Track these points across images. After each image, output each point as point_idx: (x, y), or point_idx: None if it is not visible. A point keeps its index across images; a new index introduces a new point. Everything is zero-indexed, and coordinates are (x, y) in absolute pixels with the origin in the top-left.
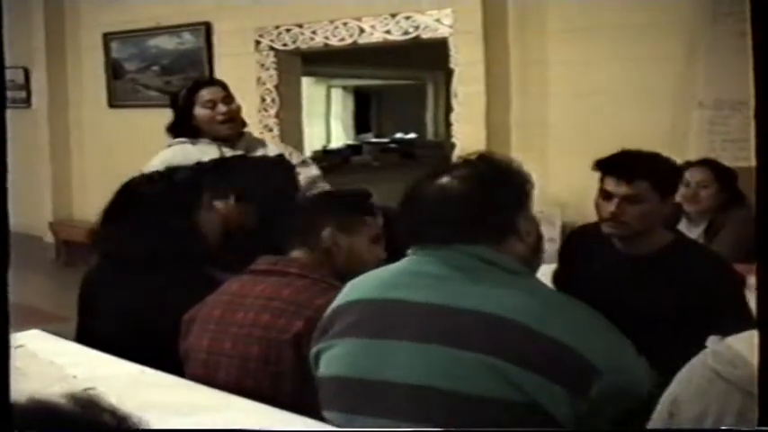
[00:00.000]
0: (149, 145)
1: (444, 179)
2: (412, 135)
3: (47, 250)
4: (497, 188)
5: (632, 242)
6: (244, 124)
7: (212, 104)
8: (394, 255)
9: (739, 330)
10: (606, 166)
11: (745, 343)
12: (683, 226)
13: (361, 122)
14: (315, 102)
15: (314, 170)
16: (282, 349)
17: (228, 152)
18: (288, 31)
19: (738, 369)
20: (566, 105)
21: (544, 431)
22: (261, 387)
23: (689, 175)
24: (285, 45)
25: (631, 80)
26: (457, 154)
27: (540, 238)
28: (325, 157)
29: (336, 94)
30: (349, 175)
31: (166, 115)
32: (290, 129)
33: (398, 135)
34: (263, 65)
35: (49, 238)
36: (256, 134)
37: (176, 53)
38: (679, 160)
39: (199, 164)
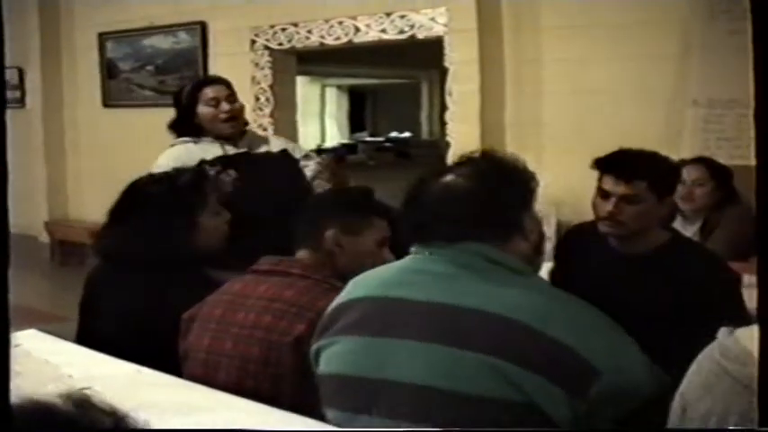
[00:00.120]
0: (144, 144)
1: (449, 177)
2: (407, 134)
3: (42, 250)
4: (502, 186)
5: (628, 241)
6: (246, 123)
7: (216, 103)
8: (399, 257)
9: (736, 326)
10: (605, 164)
11: (751, 336)
12: (677, 224)
13: (356, 121)
14: (310, 101)
15: (318, 164)
16: (283, 352)
17: (231, 150)
18: (283, 30)
19: (746, 366)
20: (560, 104)
21: (544, 431)
22: (261, 388)
23: (684, 174)
24: (280, 44)
25: (626, 79)
26: (452, 153)
27: (542, 236)
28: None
29: (331, 93)
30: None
31: (161, 115)
32: (285, 128)
33: (393, 134)
34: (257, 64)
35: (44, 237)
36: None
37: (171, 53)
38: (674, 158)
39: (202, 163)
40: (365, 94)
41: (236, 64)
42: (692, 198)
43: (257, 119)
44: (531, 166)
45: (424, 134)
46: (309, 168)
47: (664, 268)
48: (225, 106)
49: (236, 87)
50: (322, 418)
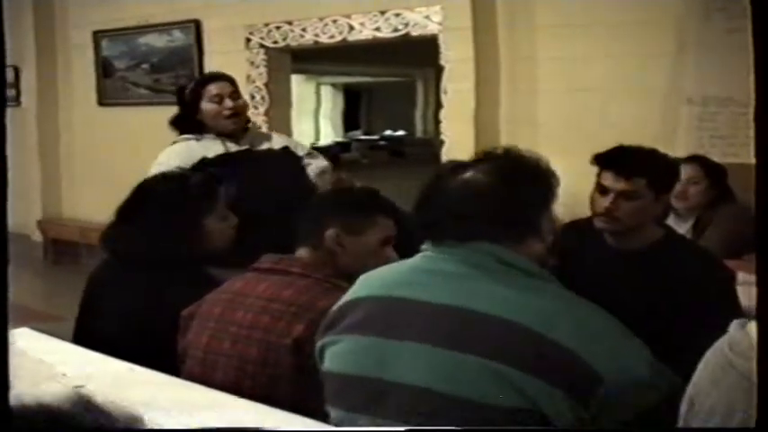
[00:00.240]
0: (139, 143)
1: (468, 173)
2: (401, 132)
3: (35, 249)
4: (523, 185)
5: (624, 237)
6: (248, 120)
7: (219, 99)
8: (404, 256)
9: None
10: (605, 160)
11: None
12: (670, 221)
13: (351, 120)
14: (304, 99)
15: (322, 161)
16: (281, 353)
17: (233, 147)
18: (278, 28)
19: (752, 362)
20: (555, 102)
21: (546, 430)
22: (258, 389)
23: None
24: (275, 42)
25: (621, 76)
26: (446, 151)
27: (557, 237)
28: None
29: (326, 91)
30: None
31: (157, 113)
32: (280, 126)
33: (388, 132)
34: (252, 62)
35: (37, 236)
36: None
37: (166, 51)
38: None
39: (204, 161)
40: (360, 93)
41: (230, 62)
42: (685, 196)
43: (252, 117)
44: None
45: (419, 132)
46: (313, 167)
47: (659, 264)
48: (228, 103)
49: None
50: (324, 418)
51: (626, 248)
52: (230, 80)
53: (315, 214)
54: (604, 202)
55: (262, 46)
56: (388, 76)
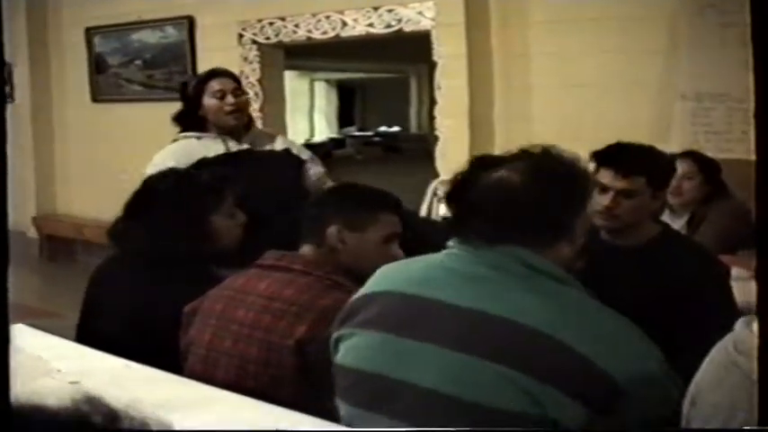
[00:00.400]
0: (133, 139)
1: (502, 171)
2: (395, 128)
3: (30, 245)
4: (558, 188)
5: (621, 234)
6: (251, 118)
7: (222, 95)
8: (409, 254)
9: (725, 319)
10: (603, 158)
11: None
12: (665, 217)
13: (345, 116)
14: (298, 95)
15: (321, 168)
16: (284, 355)
17: (234, 146)
18: (270, 24)
19: (756, 361)
20: (549, 98)
21: (547, 431)
22: (261, 389)
23: None
24: (268, 38)
25: (614, 72)
26: (440, 147)
27: (587, 240)
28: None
29: (320, 87)
30: (332, 168)
31: (150, 109)
32: (274, 123)
33: (382, 128)
34: (246, 58)
35: (32, 233)
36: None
37: (159, 47)
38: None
39: (202, 162)
40: (354, 89)
41: (224, 58)
42: (680, 192)
43: None
44: None
45: (413, 128)
46: (312, 172)
47: (656, 260)
48: (230, 99)
49: None
50: (328, 415)
51: (624, 245)
52: (233, 76)
53: (317, 211)
54: (603, 200)
55: (254, 42)
56: (381, 72)
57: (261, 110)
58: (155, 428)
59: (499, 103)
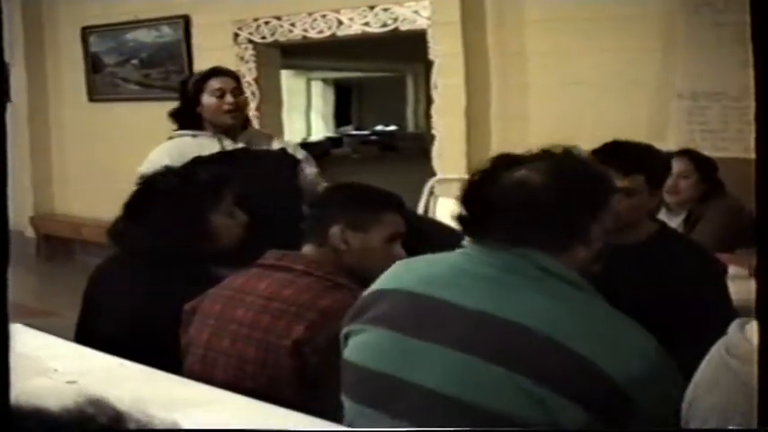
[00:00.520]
0: (130, 138)
1: (522, 171)
2: (392, 127)
3: (27, 245)
4: (579, 189)
5: (619, 233)
6: (247, 118)
7: (221, 93)
8: (411, 254)
9: (721, 318)
10: (602, 157)
11: None
12: (662, 216)
13: (342, 115)
14: (295, 95)
15: (315, 168)
16: (281, 355)
17: (230, 145)
18: (266, 23)
19: (748, 364)
20: (545, 97)
21: (550, 431)
22: (259, 389)
23: None
24: (264, 38)
25: (610, 71)
26: (437, 146)
27: (606, 244)
28: (305, 150)
29: (316, 86)
30: (329, 167)
31: (147, 108)
32: (271, 122)
33: (379, 127)
34: (242, 58)
35: (29, 232)
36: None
37: (155, 46)
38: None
39: (198, 159)
40: (351, 88)
41: (220, 58)
42: (676, 190)
43: None
44: None
45: (410, 127)
46: (307, 172)
47: (653, 259)
48: (229, 98)
49: None
50: (329, 418)
51: (621, 243)
52: (234, 76)
53: (320, 211)
54: None
55: (250, 41)
56: (377, 71)
57: (257, 109)
58: (160, 428)
59: (496, 102)
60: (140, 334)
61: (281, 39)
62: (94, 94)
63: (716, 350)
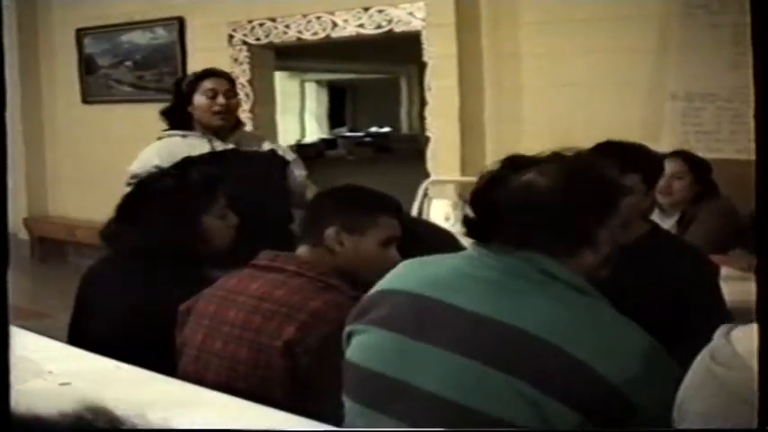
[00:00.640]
0: (124, 140)
1: (531, 174)
2: (386, 129)
3: (21, 247)
4: (587, 193)
5: None
6: (239, 120)
7: (213, 94)
8: (405, 257)
9: (715, 319)
10: (597, 156)
11: (749, 340)
12: (655, 217)
13: (336, 117)
14: (289, 96)
15: (303, 170)
16: (272, 356)
17: (219, 146)
18: (261, 25)
19: (732, 370)
20: (539, 98)
21: (547, 430)
22: (251, 390)
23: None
24: (258, 39)
25: (605, 73)
26: (432, 147)
27: (615, 249)
28: (299, 152)
29: (310, 88)
30: (323, 169)
31: (141, 110)
32: (264, 124)
33: (373, 129)
34: (236, 59)
35: (23, 234)
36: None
37: (149, 48)
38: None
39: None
40: (345, 90)
41: (214, 59)
42: (670, 191)
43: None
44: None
45: (404, 129)
46: (296, 174)
47: (644, 259)
48: (221, 99)
49: None
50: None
51: None
52: (228, 78)
53: (316, 212)
54: None
55: (245, 43)
56: (372, 73)
57: (251, 111)
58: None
59: (490, 104)
60: (132, 335)
61: (276, 40)
62: (88, 96)
63: (702, 357)
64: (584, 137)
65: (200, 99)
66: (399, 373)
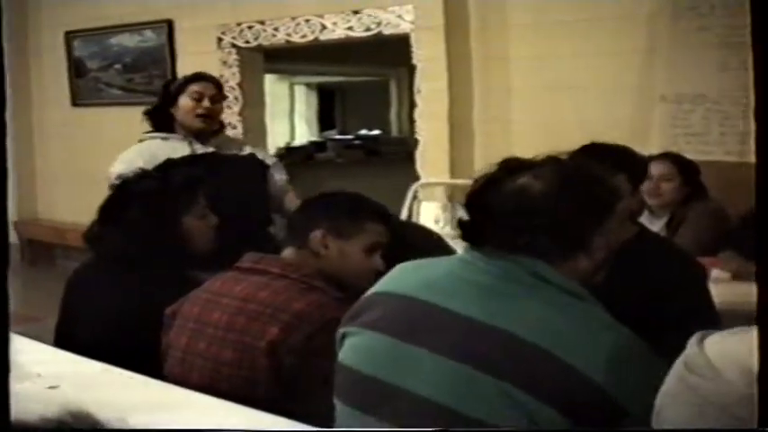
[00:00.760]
0: (113, 143)
1: (524, 178)
2: (376, 131)
3: (11, 250)
4: (581, 197)
5: None
6: (221, 125)
7: (199, 97)
8: (390, 264)
9: (703, 321)
10: (584, 157)
11: (723, 347)
12: (644, 219)
13: (326, 119)
14: (278, 99)
15: (284, 175)
16: (256, 356)
17: (200, 149)
18: (250, 28)
19: (705, 380)
20: (528, 100)
21: (538, 430)
22: (234, 391)
23: (652, 169)
24: (247, 42)
25: (593, 75)
26: (421, 150)
27: (610, 253)
28: (288, 155)
29: (300, 91)
30: (313, 172)
31: (130, 113)
32: (254, 126)
33: (362, 131)
34: (225, 62)
35: (13, 237)
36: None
37: (138, 51)
38: (643, 153)
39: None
40: (334, 92)
41: (203, 62)
42: (658, 193)
43: (226, 117)
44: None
45: (394, 131)
46: (276, 179)
47: (632, 261)
48: (206, 103)
49: None
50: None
51: None
52: (216, 82)
53: (304, 215)
54: None
55: (234, 46)
56: (361, 76)
57: (241, 114)
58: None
59: (479, 106)
60: (117, 338)
61: (265, 43)
62: (78, 99)
63: (677, 364)
64: (573, 139)
65: (185, 101)
66: (391, 376)
